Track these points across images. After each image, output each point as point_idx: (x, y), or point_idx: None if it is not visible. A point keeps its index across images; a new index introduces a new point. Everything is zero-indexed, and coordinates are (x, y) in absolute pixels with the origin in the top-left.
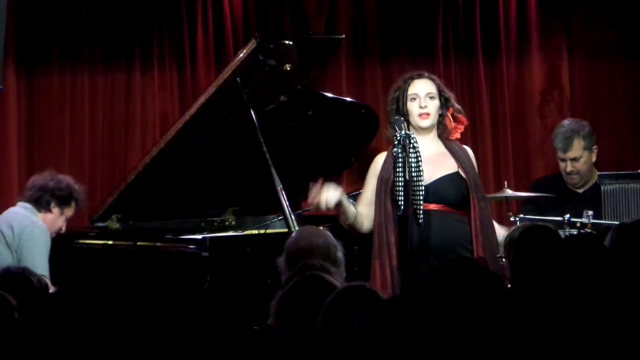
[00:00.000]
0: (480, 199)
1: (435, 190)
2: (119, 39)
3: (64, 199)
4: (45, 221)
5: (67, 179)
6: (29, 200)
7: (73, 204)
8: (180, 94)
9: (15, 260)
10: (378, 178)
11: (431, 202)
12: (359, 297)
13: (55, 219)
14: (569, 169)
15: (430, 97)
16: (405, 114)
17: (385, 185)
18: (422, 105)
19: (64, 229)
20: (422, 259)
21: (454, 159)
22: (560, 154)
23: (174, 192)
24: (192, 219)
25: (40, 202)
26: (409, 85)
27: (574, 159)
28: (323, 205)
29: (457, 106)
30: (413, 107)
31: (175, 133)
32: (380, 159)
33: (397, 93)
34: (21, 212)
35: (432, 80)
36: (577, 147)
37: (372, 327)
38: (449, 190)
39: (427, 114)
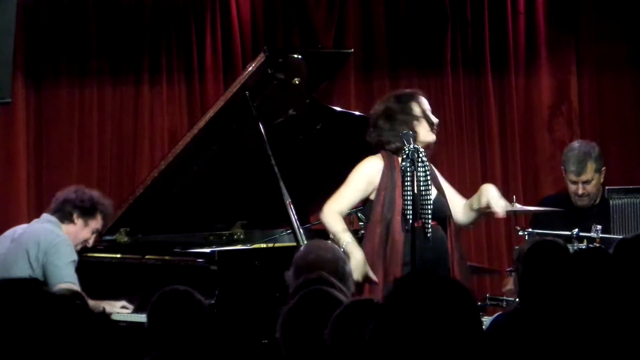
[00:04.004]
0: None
1: (437, 207)
2: (127, 52)
3: (86, 210)
4: (68, 233)
5: (91, 192)
6: (53, 212)
7: (98, 216)
8: (188, 108)
9: (39, 275)
10: (378, 191)
11: (433, 219)
12: (367, 311)
13: (79, 230)
14: (580, 191)
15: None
16: (413, 130)
17: (390, 204)
18: (434, 119)
19: (90, 242)
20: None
21: (437, 177)
22: (573, 177)
23: (183, 205)
24: (201, 233)
25: (63, 213)
26: (419, 100)
27: (586, 182)
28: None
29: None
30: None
31: (184, 147)
32: (374, 165)
33: (401, 106)
34: (47, 226)
35: None
36: (590, 170)
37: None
38: (444, 207)
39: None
